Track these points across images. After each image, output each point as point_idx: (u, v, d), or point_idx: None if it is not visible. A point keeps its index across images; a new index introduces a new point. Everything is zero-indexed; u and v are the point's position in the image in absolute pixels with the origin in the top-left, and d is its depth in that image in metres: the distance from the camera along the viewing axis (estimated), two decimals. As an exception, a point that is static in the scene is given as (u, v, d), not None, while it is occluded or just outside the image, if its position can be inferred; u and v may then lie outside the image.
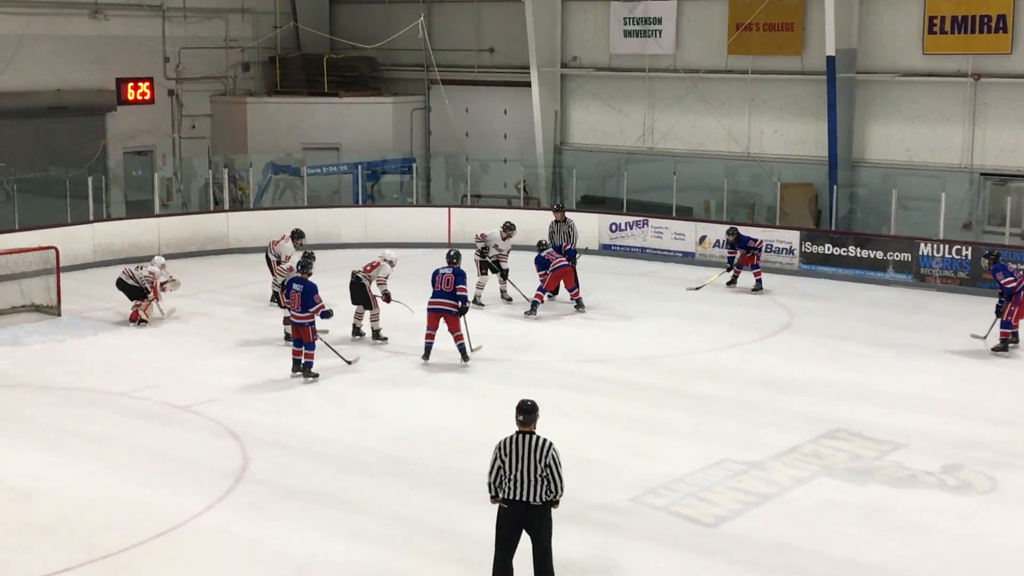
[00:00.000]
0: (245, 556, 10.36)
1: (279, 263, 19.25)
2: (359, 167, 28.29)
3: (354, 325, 17.85)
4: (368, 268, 17.86)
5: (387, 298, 17.70)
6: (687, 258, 24.67)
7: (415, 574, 10.03)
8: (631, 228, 25.42)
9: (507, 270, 20.55)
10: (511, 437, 9.16)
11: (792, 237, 23.84)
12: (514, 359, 16.94)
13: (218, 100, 30.74)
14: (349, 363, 16.24)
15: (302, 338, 15.76)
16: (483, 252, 20.39)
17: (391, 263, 17.94)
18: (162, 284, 18.86)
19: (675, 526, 10.98)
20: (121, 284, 18.81)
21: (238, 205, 27.33)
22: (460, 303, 16.41)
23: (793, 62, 26.22)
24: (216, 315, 19.35)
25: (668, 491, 11.74)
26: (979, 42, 23.91)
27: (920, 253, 22.37)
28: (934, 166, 24.70)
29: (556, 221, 21.99)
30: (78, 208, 24.15)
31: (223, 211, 26.28)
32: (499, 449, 9.20)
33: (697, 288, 21.73)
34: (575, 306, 19.80)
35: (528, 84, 29.11)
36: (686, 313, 19.92)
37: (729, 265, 22.18)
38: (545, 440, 9.12)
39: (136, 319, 18.65)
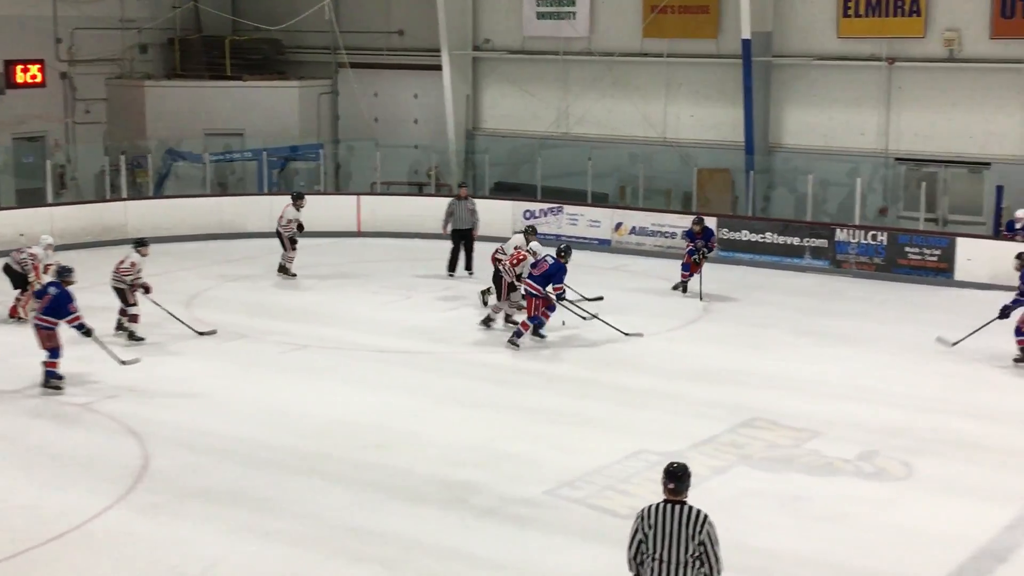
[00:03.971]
0: (146, 559, 9.92)
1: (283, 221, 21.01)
2: (264, 154, 27.64)
3: None
4: None
5: None
6: (603, 245, 24.49)
7: (327, 573, 9.65)
8: (545, 215, 25.16)
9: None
10: (657, 507, 7.42)
11: (709, 223, 23.69)
12: (432, 351, 16.62)
13: (114, 84, 29.80)
14: (124, 363, 15.08)
15: (47, 344, 14.52)
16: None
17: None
18: (45, 267, 17.58)
19: (592, 519, 10.78)
20: (7, 270, 18.03)
21: (137, 193, 26.46)
22: (547, 299, 16.66)
23: (709, 45, 26.16)
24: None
25: (585, 484, 11.53)
26: (893, 25, 24.02)
27: (837, 239, 22.41)
28: (850, 151, 24.80)
29: (459, 198, 21.98)
30: (-37, 197, 23.29)
31: (121, 200, 25.41)
32: (641, 519, 7.45)
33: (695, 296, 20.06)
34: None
35: (439, 68, 28.75)
36: (604, 302, 19.71)
37: (690, 256, 20.37)
38: (700, 512, 7.37)
39: (14, 315, 17.67)
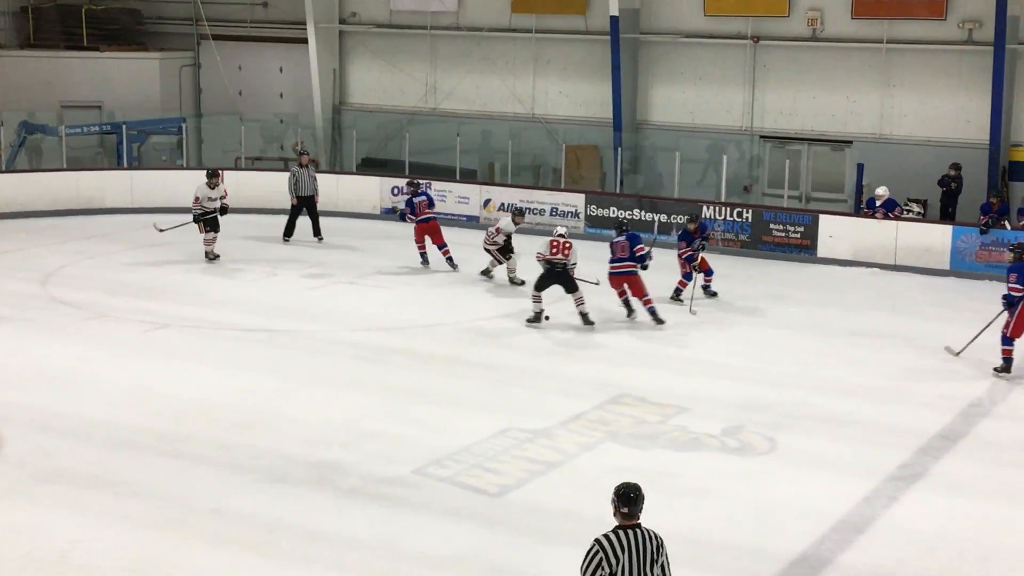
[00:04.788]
0: (-2, 545, 9.56)
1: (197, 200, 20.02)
2: (124, 127, 26.75)
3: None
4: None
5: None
6: (471, 222, 24.38)
7: (189, 556, 9.43)
8: (414, 191, 24.90)
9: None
10: (616, 535, 7.00)
11: (577, 200, 23.83)
12: (296, 329, 16.35)
13: (-36, 53, 28.66)
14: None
15: None
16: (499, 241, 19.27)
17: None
18: None
19: (460, 497, 10.71)
20: None
21: (-13, 167, 25.51)
22: (640, 262, 16.77)
23: (577, 22, 26.19)
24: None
25: (453, 462, 11.44)
26: (758, 4, 24.34)
27: (703, 216, 22.61)
28: (716, 128, 25.08)
29: (301, 165, 22.24)
30: None
31: (-30, 173, 24.41)
32: (603, 551, 6.94)
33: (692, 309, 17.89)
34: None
35: (305, 41, 28.28)
36: (471, 279, 19.65)
37: (690, 261, 18.22)
38: (656, 534, 7.09)
39: None
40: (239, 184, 24.84)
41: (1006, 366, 14.70)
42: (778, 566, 9.36)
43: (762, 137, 24.93)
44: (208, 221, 20.07)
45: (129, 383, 13.79)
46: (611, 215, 23.34)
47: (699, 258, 18.18)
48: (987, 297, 19.13)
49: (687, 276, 18.19)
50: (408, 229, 20.73)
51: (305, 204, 22.24)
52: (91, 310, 16.85)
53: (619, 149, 24.98)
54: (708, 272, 18.49)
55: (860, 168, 23.45)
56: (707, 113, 25.28)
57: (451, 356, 15.21)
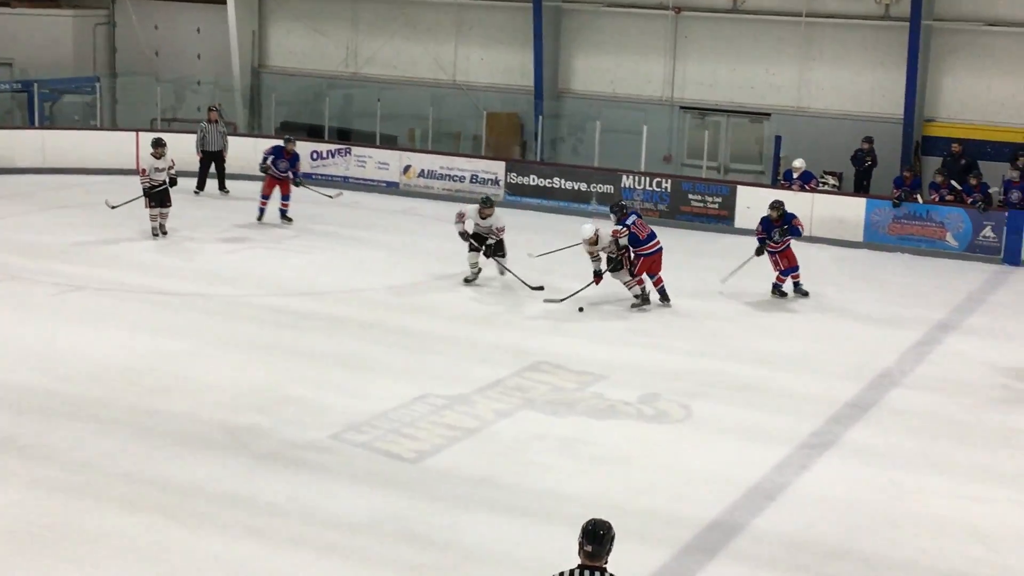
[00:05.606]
0: (-101, 512, 9.37)
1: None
2: (35, 85, 26.19)
3: None
4: None
5: None
6: (391, 188, 24.27)
7: (101, 521, 9.30)
8: (333, 156, 24.76)
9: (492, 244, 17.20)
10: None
11: (498, 168, 23.80)
12: (213, 293, 16.18)
13: None
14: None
15: None
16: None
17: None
18: None
19: (377, 463, 10.68)
20: None
21: None
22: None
23: (499, -11, 26.11)
24: None
25: (370, 428, 11.42)
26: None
27: (622, 185, 22.73)
28: (637, 98, 25.17)
29: (210, 121, 22.51)
30: None
31: None
32: None
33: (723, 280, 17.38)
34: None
35: (223, 1, 27.82)
36: (391, 245, 19.58)
37: (760, 248, 17.19)
38: None
39: None
40: (155, 146, 24.49)
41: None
42: (691, 531, 9.48)
43: (682, 108, 25.07)
44: (155, 195, 18.90)
45: (41, 346, 13.56)
46: (531, 183, 23.37)
47: (772, 246, 16.96)
48: (898, 269, 19.56)
49: (784, 271, 17.08)
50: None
51: (213, 159, 22.76)
52: (2, 272, 16.53)
53: (540, 117, 24.98)
54: (787, 270, 17.11)
55: (778, 140, 23.70)
56: (628, 83, 25.35)
57: (370, 321, 15.15)
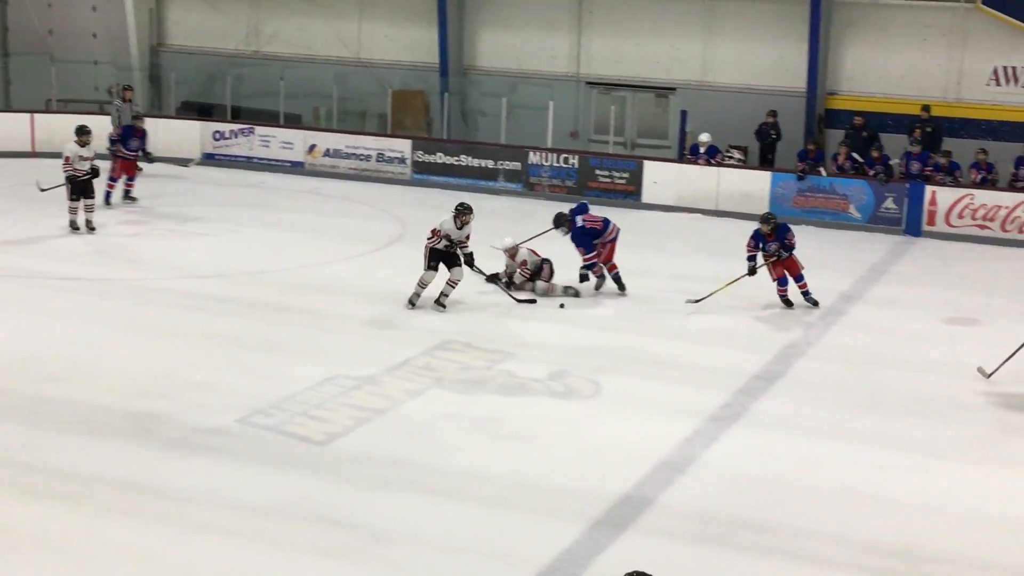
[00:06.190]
0: None
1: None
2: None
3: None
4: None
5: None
6: (296, 168, 24.01)
7: (2, 514, 9.04)
8: (236, 136, 24.41)
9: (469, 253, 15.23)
10: None
11: (404, 146, 23.67)
12: (115, 277, 15.87)
13: None
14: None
15: None
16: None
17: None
18: None
19: (286, 446, 10.53)
20: None
21: None
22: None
23: (403, -35, 25.89)
24: None
25: (278, 411, 11.25)
26: (583, -50, 24.42)
27: (529, 162, 22.71)
28: (543, 74, 25.14)
29: (124, 100, 22.28)
30: None
31: None
32: None
33: (698, 300, 15.58)
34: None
35: (119, -22, 27.26)
36: (296, 225, 19.36)
37: (752, 269, 15.49)
38: None
39: None
40: (50, 128, 23.97)
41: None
42: (602, 507, 9.48)
43: (588, 83, 25.09)
44: (79, 185, 18.00)
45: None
46: (438, 161, 23.26)
47: (769, 263, 15.54)
48: (804, 241, 19.69)
49: (781, 281, 15.49)
50: (238, 175, 20.29)
51: None
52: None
53: (445, 95, 24.86)
54: (783, 281, 15.51)
55: (683, 115, 23.84)
56: (534, 59, 25.32)
57: (276, 303, 14.95)
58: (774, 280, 15.56)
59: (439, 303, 14.90)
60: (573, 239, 15.94)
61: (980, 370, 12.83)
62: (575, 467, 10.34)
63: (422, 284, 14.89)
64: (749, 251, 15.50)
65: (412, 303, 14.87)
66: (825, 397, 12.37)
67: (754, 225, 15.84)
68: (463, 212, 14.83)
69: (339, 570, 8.41)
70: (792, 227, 15.85)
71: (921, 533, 9.27)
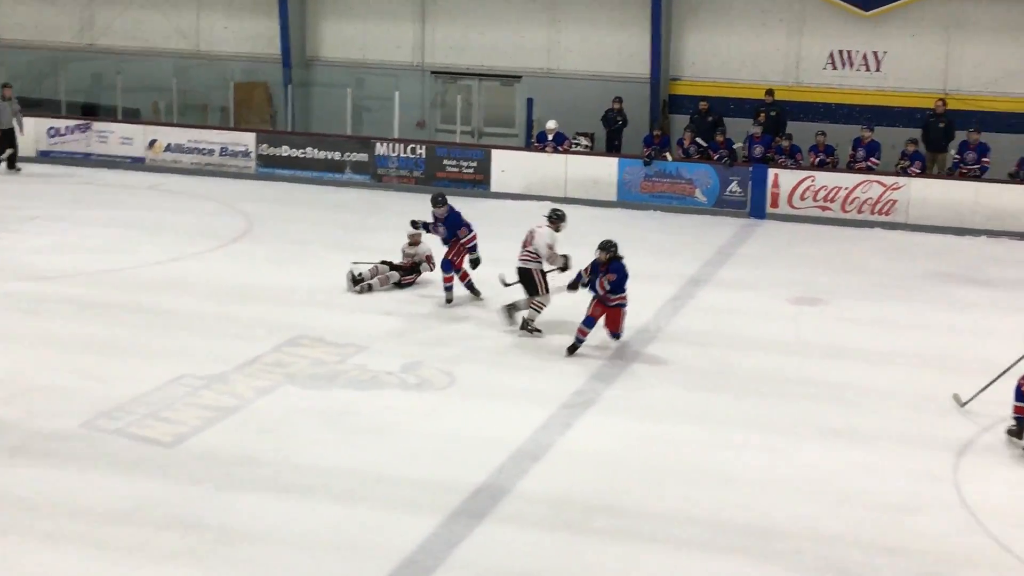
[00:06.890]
0: None
1: None
2: None
3: None
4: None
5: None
6: (136, 163, 23.43)
7: None
8: (72, 132, 23.71)
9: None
10: None
11: (248, 139, 23.29)
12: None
13: None
14: None
15: None
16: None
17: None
18: None
19: (133, 449, 10.27)
20: None
21: None
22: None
23: (239, -45, 25.46)
24: None
25: (123, 413, 10.96)
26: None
27: (377, 153, 22.56)
28: (388, 64, 24.99)
29: (4, 98, 21.76)
30: None
31: None
32: None
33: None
34: None
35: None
36: (138, 223, 18.89)
37: (574, 284, 13.60)
38: None
39: None
40: None
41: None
42: (459, 497, 9.46)
43: (433, 72, 25.02)
44: None
45: None
46: (283, 154, 22.96)
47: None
48: (652, 226, 20.04)
49: (588, 321, 13.17)
50: (69, 169, 19.70)
51: (6, 136, 22.11)
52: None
53: (289, 86, 24.54)
54: (590, 322, 13.17)
55: (530, 103, 23.94)
56: (378, 49, 25.16)
57: (119, 303, 14.55)
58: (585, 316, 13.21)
59: (534, 329, 13.89)
60: (453, 222, 15.18)
61: (955, 397, 11.81)
62: (431, 458, 10.31)
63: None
64: (585, 273, 13.35)
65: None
66: (674, 379, 12.55)
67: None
68: (559, 218, 14.13)
69: (192, 574, 8.22)
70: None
71: (769, 510, 9.46)
